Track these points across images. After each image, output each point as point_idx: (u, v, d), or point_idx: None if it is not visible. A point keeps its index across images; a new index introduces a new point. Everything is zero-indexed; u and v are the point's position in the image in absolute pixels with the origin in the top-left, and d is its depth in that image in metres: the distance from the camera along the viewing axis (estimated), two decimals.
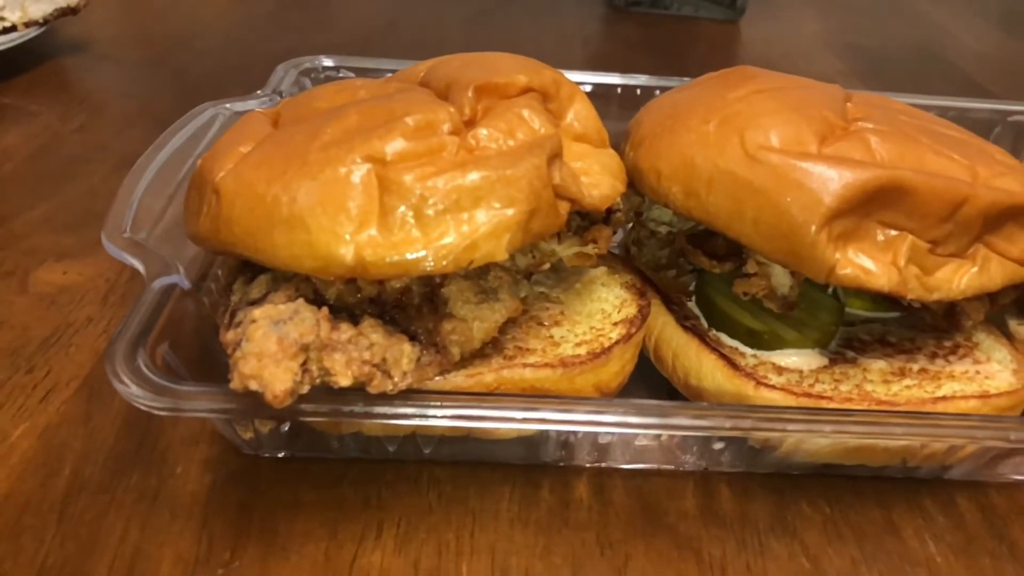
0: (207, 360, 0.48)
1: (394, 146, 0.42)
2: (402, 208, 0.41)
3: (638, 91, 0.85)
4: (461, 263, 0.41)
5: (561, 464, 0.52)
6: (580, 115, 0.52)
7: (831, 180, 0.47)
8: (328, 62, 0.85)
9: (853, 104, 0.55)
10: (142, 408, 0.41)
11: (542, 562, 0.46)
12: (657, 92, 0.83)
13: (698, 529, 0.49)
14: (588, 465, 0.52)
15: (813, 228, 0.47)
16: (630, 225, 0.63)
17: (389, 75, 0.58)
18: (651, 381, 0.57)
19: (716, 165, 0.50)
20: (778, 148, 0.49)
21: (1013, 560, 0.49)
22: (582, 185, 0.47)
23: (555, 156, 0.45)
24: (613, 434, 0.50)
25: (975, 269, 0.50)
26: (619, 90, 0.86)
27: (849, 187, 0.46)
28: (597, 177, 0.49)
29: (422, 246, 0.41)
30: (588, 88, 0.83)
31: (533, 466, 0.52)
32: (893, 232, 0.49)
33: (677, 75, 0.85)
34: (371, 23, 1.34)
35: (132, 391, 0.41)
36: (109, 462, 0.49)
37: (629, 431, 0.46)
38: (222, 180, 0.44)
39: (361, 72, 0.84)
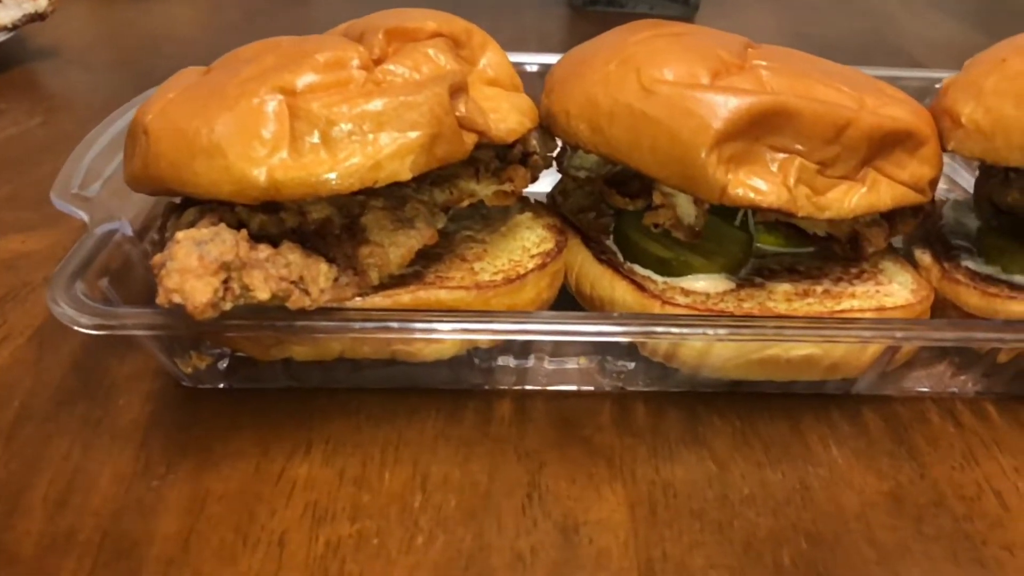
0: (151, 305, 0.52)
1: (304, 79, 0.46)
2: (311, 133, 0.45)
3: None
4: (367, 182, 0.45)
5: (486, 388, 0.55)
6: (492, 62, 0.56)
7: (718, 106, 0.50)
8: None
9: (755, 50, 0.59)
10: (75, 328, 0.44)
11: (460, 469, 0.49)
12: None
13: (612, 439, 0.52)
14: (511, 388, 0.55)
15: (703, 152, 0.50)
16: (557, 176, 0.66)
17: None
18: None
19: (616, 100, 0.53)
20: (671, 81, 0.52)
21: (911, 460, 0.52)
22: (489, 119, 0.51)
23: (460, 89, 0.49)
24: (515, 340, 0.53)
25: (864, 190, 0.53)
26: None
27: (735, 111, 0.50)
28: (505, 114, 0.53)
29: (330, 167, 0.44)
30: (534, 68, 0.87)
31: (460, 392, 0.55)
32: (782, 155, 0.52)
33: None
34: None
35: (66, 312, 0.45)
36: (56, 396, 0.52)
37: (530, 337, 0.50)
38: (151, 121, 0.48)
39: None
